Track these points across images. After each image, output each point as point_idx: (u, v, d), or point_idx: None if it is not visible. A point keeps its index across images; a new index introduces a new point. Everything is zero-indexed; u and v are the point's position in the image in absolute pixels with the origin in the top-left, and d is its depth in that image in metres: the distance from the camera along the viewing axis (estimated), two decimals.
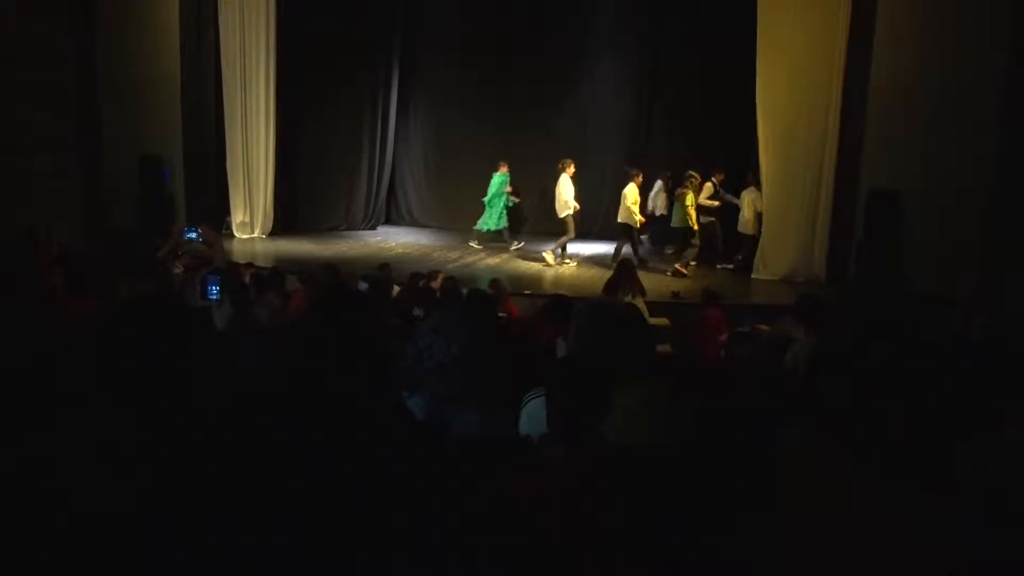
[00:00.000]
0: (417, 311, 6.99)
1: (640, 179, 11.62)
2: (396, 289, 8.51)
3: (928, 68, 9.19)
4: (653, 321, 7.32)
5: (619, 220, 11.66)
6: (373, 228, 14.64)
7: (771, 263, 10.91)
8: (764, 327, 7.65)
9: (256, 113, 12.84)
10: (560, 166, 11.67)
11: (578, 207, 11.63)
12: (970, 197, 9.04)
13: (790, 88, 10.44)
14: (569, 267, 11.65)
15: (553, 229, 13.91)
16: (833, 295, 9.49)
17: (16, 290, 4.39)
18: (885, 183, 9.62)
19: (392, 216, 15.47)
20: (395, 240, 13.77)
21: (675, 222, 11.50)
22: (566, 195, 11.51)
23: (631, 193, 11.45)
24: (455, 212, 14.89)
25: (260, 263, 10.52)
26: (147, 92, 12.29)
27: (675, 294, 9.80)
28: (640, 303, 7.74)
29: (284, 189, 13.52)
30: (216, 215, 13.20)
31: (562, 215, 11.60)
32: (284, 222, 13.56)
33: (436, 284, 8.60)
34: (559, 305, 6.45)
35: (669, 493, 2.59)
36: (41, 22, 10.45)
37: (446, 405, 2.54)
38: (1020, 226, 8.70)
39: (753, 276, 10.99)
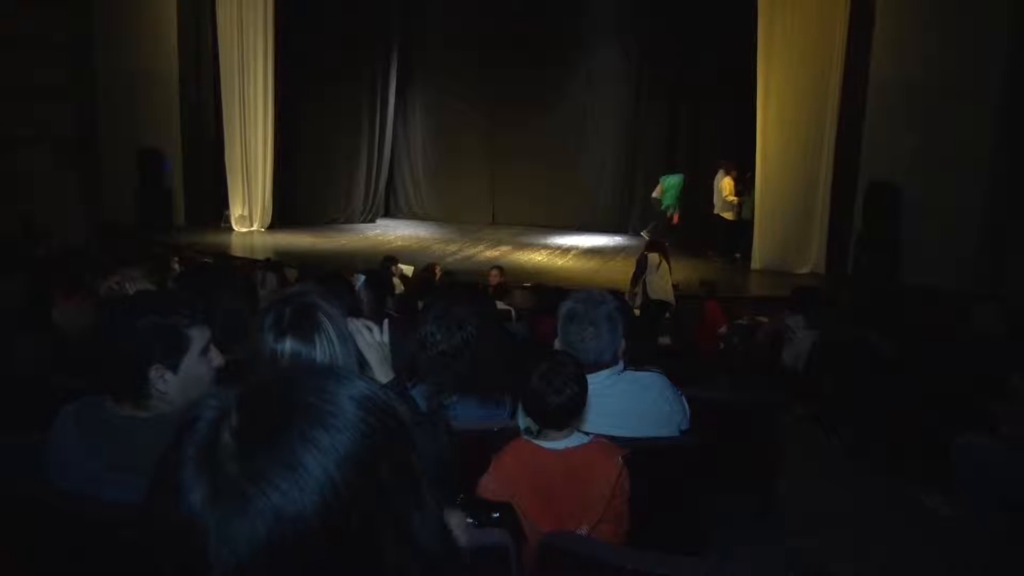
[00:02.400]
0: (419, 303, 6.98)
1: (735, 172, 11.47)
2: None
3: (928, 61, 9.17)
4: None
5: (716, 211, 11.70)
6: (372, 221, 14.62)
7: (770, 255, 10.90)
8: (763, 319, 7.64)
9: (254, 106, 12.79)
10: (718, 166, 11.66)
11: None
12: (970, 189, 9.04)
13: (790, 81, 10.41)
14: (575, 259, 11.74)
15: (552, 223, 13.99)
16: (832, 288, 9.48)
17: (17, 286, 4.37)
18: (885, 176, 9.60)
19: (391, 209, 15.45)
20: (394, 233, 13.75)
21: (748, 214, 11.48)
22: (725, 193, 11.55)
23: (727, 186, 11.44)
24: (454, 205, 14.90)
25: (259, 256, 10.51)
26: (145, 86, 12.26)
27: (674, 286, 9.78)
28: (666, 276, 8.50)
29: (283, 182, 13.48)
30: (215, 209, 13.21)
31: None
32: (283, 215, 13.52)
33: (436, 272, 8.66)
34: (547, 296, 6.50)
35: (669, 486, 2.59)
36: (40, 17, 10.41)
37: (447, 394, 2.54)
38: (1020, 219, 8.70)
39: (752, 268, 11.00)
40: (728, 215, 11.59)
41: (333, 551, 0.69)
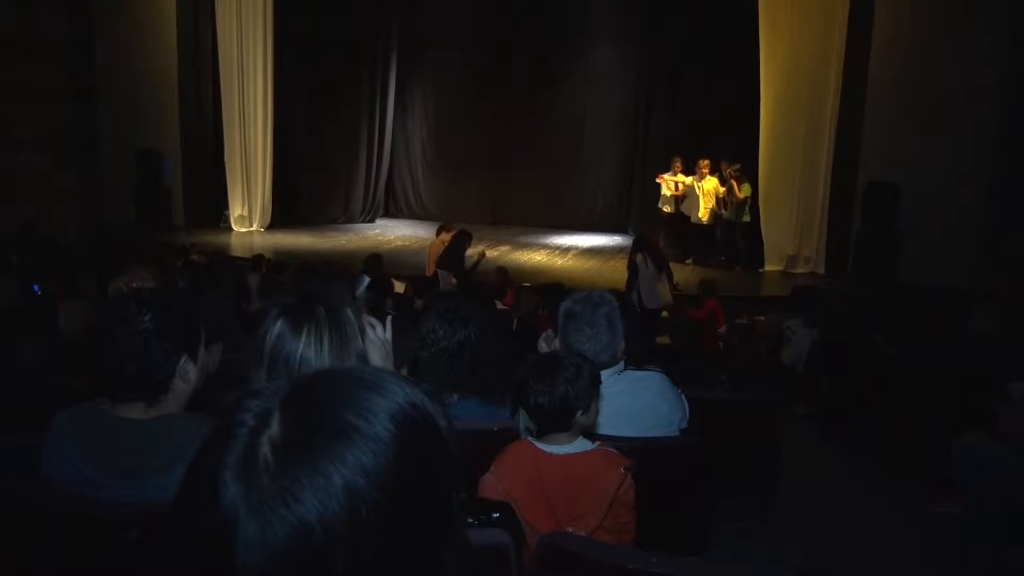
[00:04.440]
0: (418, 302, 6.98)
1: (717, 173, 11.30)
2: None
3: (928, 61, 9.17)
4: None
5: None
6: (371, 221, 14.62)
7: (770, 255, 10.91)
8: (762, 319, 7.64)
9: (254, 106, 12.79)
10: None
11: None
12: (969, 189, 9.04)
13: (790, 81, 10.42)
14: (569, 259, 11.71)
15: (552, 223, 13.99)
16: (832, 288, 9.48)
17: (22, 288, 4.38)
18: (885, 176, 9.60)
19: (391, 209, 15.45)
20: (393, 233, 13.75)
21: (733, 215, 11.27)
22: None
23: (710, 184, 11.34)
24: (454, 205, 14.89)
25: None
26: (145, 86, 12.26)
27: (674, 286, 9.77)
28: (658, 277, 8.14)
29: (282, 182, 13.48)
30: (214, 209, 13.20)
31: None
32: (282, 215, 13.52)
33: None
34: (550, 295, 6.48)
35: (669, 486, 2.59)
36: (40, 17, 10.39)
37: (448, 392, 2.54)
38: (1020, 219, 8.70)
39: (752, 268, 10.98)
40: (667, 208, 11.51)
41: (354, 572, 0.70)
